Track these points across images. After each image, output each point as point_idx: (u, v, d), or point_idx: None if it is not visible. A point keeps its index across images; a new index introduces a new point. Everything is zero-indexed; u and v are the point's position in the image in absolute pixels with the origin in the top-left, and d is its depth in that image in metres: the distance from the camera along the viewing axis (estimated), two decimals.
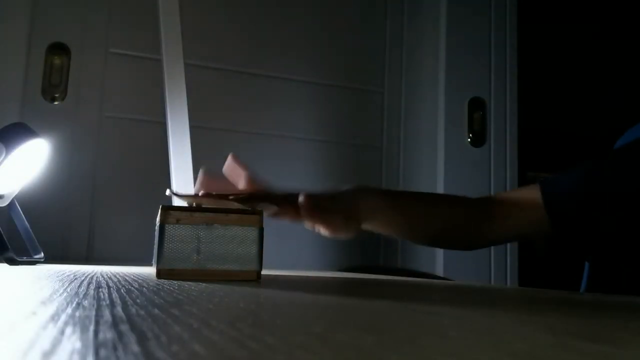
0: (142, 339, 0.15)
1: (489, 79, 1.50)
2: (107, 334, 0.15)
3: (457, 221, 0.76)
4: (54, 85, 1.26)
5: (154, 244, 0.60)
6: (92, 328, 0.17)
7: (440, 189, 1.43)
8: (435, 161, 1.46)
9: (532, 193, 0.72)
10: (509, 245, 1.45)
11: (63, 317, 0.19)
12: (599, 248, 0.72)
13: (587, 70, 1.80)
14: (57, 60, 1.27)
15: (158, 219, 0.53)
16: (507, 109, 1.51)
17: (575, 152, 1.64)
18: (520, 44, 1.54)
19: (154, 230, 0.62)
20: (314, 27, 1.51)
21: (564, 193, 0.71)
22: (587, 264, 0.85)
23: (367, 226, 0.74)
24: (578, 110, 1.77)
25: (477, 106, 1.49)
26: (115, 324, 0.18)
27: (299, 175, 1.44)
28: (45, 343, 0.14)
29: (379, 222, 0.74)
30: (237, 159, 0.76)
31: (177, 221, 0.51)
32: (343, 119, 1.52)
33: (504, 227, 0.74)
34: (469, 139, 1.47)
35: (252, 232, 0.53)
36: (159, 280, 0.47)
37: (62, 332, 0.16)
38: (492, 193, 1.45)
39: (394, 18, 1.60)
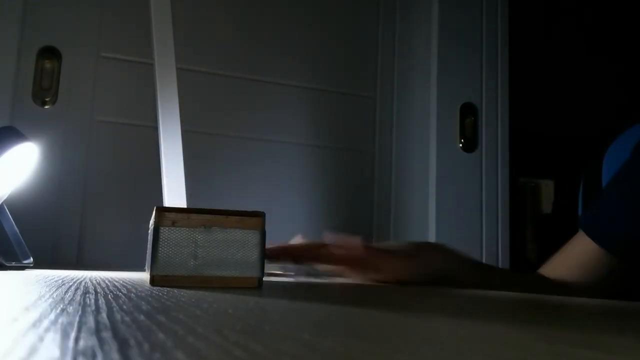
0: (123, 347, 0.14)
1: (480, 84, 1.50)
2: (88, 341, 0.15)
3: None
4: (44, 89, 1.26)
5: (147, 249, 0.59)
6: (73, 335, 0.16)
7: (432, 194, 1.43)
8: (427, 166, 1.46)
9: (580, 241, 0.70)
10: (500, 249, 1.45)
11: (45, 324, 0.19)
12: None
13: (579, 74, 1.80)
14: (47, 64, 1.26)
15: (152, 221, 0.51)
16: (499, 114, 1.51)
17: (568, 157, 1.64)
18: (512, 49, 1.55)
19: (147, 234, 0.61)
20: (306, 32, 1.51)
21: (606, 215, 0.70)
22: None
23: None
24: (570, 114, 1.77)
25: (468, 112, 1.49)
26: (98, 330, 0.17)
27: (290, 179, 1.44)
28: (22, 351, 0.13)
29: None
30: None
31: (173, 224, 0.48)
32: (334, 123, 1.51)
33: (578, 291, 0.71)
34: (460, 144, 1.47)
35: (253, 236, 0.50)
36: (149, 286, 0.46)
37: (41, 339, 0.15)
38: (483, 200, 1.45)
39: (386, 23, 1.60)
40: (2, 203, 0.81)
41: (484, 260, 1.43)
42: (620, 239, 0.68)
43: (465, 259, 0.73)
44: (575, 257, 0.72)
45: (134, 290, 0.40)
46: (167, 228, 0.49)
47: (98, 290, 0.38)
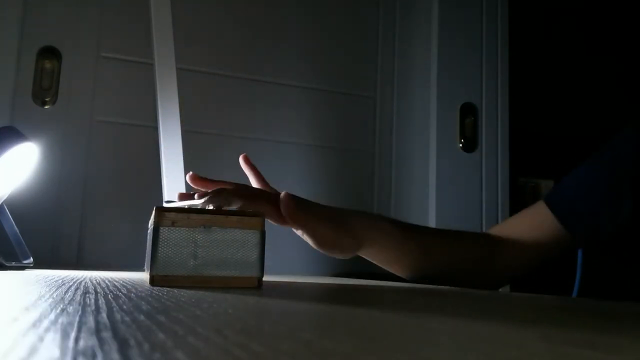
0: (123, 347, 0.14)
1: (480, 84, 1.50)
2: (88, 341, 0.15)
3: (469, 256, 0.74)
4: (44, 89, 1.26)
5: (147, 249, 0.58)
6: (73, 335, 0.16)
7: (432, 194, 1.43)
8: (427, 166, 1.46)
9: (538, 208, 0.72)
10: None
11: (45, 324, 0.19)
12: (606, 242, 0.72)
13: (579, 74, 1.80)
14: (47, 64, 1.26)
15: (152, 221, 0.51)
16: (499, 114, 1.51)
17: (568, 157, 1.64)
18: (511, 48, 1.55)
19: (147, 234, 0.61)
20: (306, 32, 1.51)
21: (568, 192, 0.71)
22: (579, 261, 0.85)
23: (365, 251, 0.70)
24: (570, 114, 1.77)
25: (468, 111, 1.49)
26: (98, 330, 0.17)
27: (290, 179, 1.44)
28: (22, 350, 0.13)
29: (379, 248, 0.70)
30: (248, 160, 0.74)
31: (173, 223, 0.48)
32: (335, 123, 1.51)
33: (518, 255, 0.73)
34: (460, 144, 1.47)
35: (253, 236, 0.50)
36: (149, 286, 0.46)
37: (41, 339, 0.15)
38: (483, 200, 1.45)
39: (386, 23, 1.60)
40: (2, 203, 0.81)
41: None
42: (579, 216, 0.69)
43: (388, 229, 0.73)
44: (529, 220, 0.73)
45: (134, 290, 0.40)
46: (167, 228, 0.49)
47: (98, 290, 0.38)
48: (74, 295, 0.32)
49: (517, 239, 0.72)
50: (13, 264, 0.78)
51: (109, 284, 0.48)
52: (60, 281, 0.49)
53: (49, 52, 1.27)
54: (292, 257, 1.38)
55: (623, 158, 0.69)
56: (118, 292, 0.37)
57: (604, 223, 0.68)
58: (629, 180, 0.67)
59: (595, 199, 0.69)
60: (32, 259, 0.82)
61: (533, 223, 0.72)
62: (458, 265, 0.73)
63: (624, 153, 0.70)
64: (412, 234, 0.73)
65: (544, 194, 0.77)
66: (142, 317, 0.22)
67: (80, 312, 0.23)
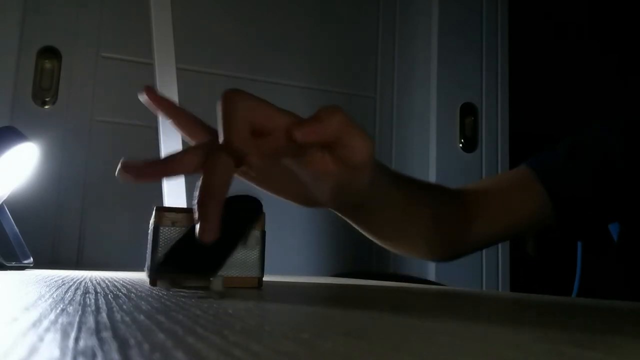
0: (123, 347, 0.14)
1: (480, 84, 1.50)
2: (88, 341, 0.15)
3: (447, 211, 0.65)
4: (44, 89, 1.26)
5: (147, 249, 0.58)
6: (73, 335, 0.16)
7: None
8: (427, 166, 1.46)
9: (521, 172, 0.68)
10: (500, 246, 1.44)
11: (45, 324, 0.19)
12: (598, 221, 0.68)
13: (579, 74, 1.80)
14: (47, 64, 1.26)
15: (152, 221, 0.51)
16: (499, 114, 1.51)
17: None
18: (511, 48, 1.55)
19: (147, 234, 0.61)
20: (305, 32, 1.51)
21: (557, 163, 0.68)
22: (579, 264, 0.85)
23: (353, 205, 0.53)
24: (571, 114, 1.77)
25: (468, 111, 1.49)
26: (97, 330, 0.17)
27: None
28: (22, 350, 0.13)
29: (376, 196, 0.52)
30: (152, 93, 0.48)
31: (173, 223, 0.48)
32: None
33: (496, 217, 0.66)
34: (460, 144, 1.47)
35: (253, 236, 0.50)
36: (149, 286, 0.46)
37: (41, 339, 0.15)
38: None
39: (386, 23, 1.60)
40: (2, 203, 0.81)
41: (484, 259, 1.43)
42: (568, 188, 0.65)
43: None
44: (503, 178, 0.69)
45: (134, 290, 0.40)
46: (166, 228, 0.49)
47: (98, 290, 0.38)
48: (74, 295, 0.32)
49: (494, 202, 0.67)
50: (13, 264, 0.78)
51: (109, 284, 0.48)
52: (60, 281, 0.49)
53: (49, 52, 1.27)
54: (292, 257, 1.38)
55: (609, 150, 0.67)
56: (118, 292, 0.37)
57: (592, 206, 0.65)
58: (620, 177, 0.64)
59: (585, 178, 0.65)
60: (32, 259, 0.82)
61: (514, 186, 0.67)
62: (441, 219, 0.65)
63: (609, 145, 0.67)
64: (415, 195, 0.61)
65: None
66: (142, 317, 0.22)
67: (80, 312, 0.23)
